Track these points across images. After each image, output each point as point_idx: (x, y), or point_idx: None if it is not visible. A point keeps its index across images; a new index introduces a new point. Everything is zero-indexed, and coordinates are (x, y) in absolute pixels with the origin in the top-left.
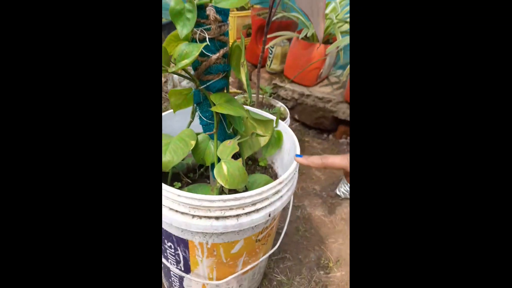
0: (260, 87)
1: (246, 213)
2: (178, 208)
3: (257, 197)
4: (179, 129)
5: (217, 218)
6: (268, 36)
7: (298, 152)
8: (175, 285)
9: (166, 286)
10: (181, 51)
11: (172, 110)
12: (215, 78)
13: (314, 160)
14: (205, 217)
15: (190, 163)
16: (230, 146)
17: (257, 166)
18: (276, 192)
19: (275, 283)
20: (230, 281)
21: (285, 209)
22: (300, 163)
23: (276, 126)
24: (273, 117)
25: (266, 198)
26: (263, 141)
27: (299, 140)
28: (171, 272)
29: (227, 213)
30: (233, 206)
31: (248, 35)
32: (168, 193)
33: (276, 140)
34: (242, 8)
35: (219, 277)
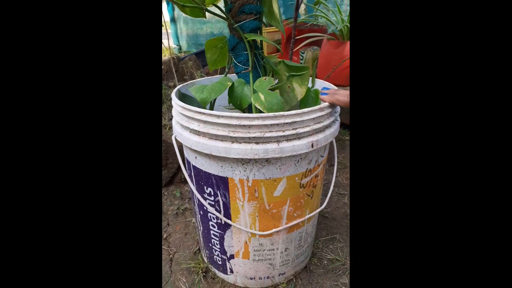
0: None
1: (287, 139)
2: (217, 132)
3: (297, 119)
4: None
5: (257, 142)
6: (297, 37)
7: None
8: (215, 249)
9: (206, 256)
10: None
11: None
12: (248, 18)
13: (339, 98)
14: (244, 141)
15: None
16: (266, 80)
17: None
18: (318, 122)
19: (325, 262)
20: (275, 240)
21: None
22: (325, 101)
23: (313, 86)
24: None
25: (307, 125)
26: (300, 94)
27: (340, 140)
28: (211, 232)
29: (267, 135)
30: (273, 125)
31: (277, 50)
32: (209, 116)
33: (314, 100)
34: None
35: (262, 229)
